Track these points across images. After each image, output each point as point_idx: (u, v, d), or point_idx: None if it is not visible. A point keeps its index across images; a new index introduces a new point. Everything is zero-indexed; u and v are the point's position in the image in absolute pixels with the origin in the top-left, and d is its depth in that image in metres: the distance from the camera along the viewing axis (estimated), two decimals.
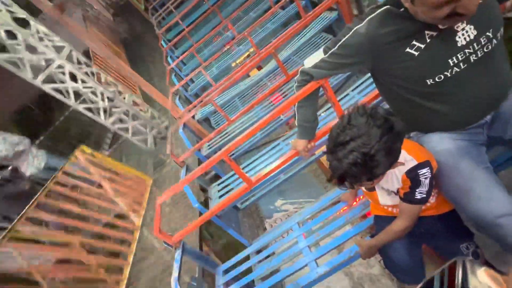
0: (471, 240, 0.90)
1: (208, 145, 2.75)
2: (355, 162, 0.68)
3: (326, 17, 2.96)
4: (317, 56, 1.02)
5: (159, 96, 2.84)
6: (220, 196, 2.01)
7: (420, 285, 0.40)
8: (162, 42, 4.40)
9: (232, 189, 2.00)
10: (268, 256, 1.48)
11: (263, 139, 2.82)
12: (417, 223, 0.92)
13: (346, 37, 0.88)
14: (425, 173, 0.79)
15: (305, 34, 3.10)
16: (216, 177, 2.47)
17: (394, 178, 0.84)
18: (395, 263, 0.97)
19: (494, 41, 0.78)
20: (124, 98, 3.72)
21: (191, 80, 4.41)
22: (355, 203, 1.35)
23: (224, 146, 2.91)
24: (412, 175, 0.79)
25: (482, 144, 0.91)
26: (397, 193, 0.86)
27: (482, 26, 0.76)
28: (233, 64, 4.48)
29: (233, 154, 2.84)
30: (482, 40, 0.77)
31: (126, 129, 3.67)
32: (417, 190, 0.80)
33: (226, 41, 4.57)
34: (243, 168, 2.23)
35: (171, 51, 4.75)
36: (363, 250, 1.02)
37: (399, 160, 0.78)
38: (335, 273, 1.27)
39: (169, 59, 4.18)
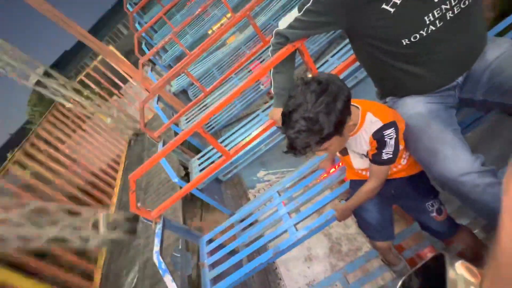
0: (436, 198, 0.95)
1: (186, 119, 2.65)
2: (299, 130, 0.70)
3: None
4: (292, 15, 0.94)
5: (128, 66, 2.60)
6: (201, 170, 1.99)
7: (402, 280, 0.41)
8: (128, 6, 3.94)
9: (212, 162, 1.98)
10: (251, 224, 1.52)
11: (244, 110, 2.76)
12: (388, 185, 0.95)
13: None
14: (390, 133, 0.79)
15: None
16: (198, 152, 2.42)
17: (363, 141, 0.84)
18: (367, 222, 1.02)
19: None
20: None
21: (164, 50, 4.10)
22: (333, 169, 1.38)
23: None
24: (378, 136, 0.80)
25: (453, 106, 0.92)
26: (367, 155, 0.88)
27: None
28: (209, 31, 4.19)
29: (213, 127, 2.78)
30: None
31: None
32: (383, 151, 0.81)
33: (200, 4, 4.21)
34: (223, 141, 2.20)
35: (138, 16, 4.30)
36: (338, 213, 1.05)
37: (366, 122, 0.80)
38: (315, 235, 1.35)
39: (136, 25, 3.79)
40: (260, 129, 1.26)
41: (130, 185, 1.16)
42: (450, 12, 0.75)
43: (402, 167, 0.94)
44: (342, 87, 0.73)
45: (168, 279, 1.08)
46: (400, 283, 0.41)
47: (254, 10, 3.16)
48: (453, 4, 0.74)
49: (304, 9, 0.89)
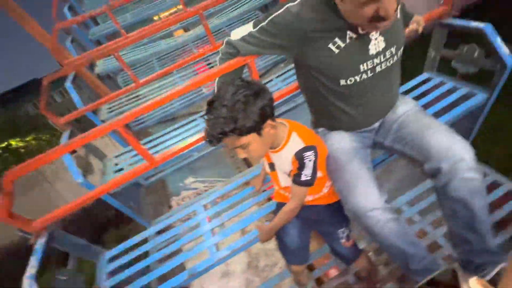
0: (347, 226, 1.06)
1: (109, 108, 2.26)
2: (217, 116, 0.74)
3: None
4: (246, 29, 0.92)
5: (36, 29, 2.03)
6: (116, 171, 1.70)
7: None
8: None
9: (132, 164, 1.72)
10: (169, 239, 1.36)
11: (181, 110, 2.56)
12: (310, 210, 1.02)
13: (277, 12, 0.83)
14: (309, 155, 0.85)
15: (240, 7, 2.91)
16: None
17: (286, 159, 0.88)
18: (286, 246, 1.06)
19: (395, 57, 0.88)
20: None
21: (95, 22, 3.48)
22: (262, 189, 1.38)
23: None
24: (299, 157, 0.85)
25: (369, 146, 1.07)
26: (289, 175, 0.91)
27: (390, 41, 0.84)
28: (155, 17, 3.80)
29: (143, 122, 2.47)
30: (388, 54, 0.86)
31: None
32: (302, 172, 0.86)
33: None
34: (151, 141, 1.96)
35: None
36: (261, 235, 1.05)
37: (290, 141, 0.87)
38: None
39: None
40: (195, 138, 1.16)
41: (4, 186, 0.86)
42: (379, 66, 0.87)
43: (323, 195, 1.01)
44: (265, 89, 0.79)
45: None
46: None
47: (208, 10, 3.05)
48: (382, 60, 0.86)
49: (259, 26, 0.88)
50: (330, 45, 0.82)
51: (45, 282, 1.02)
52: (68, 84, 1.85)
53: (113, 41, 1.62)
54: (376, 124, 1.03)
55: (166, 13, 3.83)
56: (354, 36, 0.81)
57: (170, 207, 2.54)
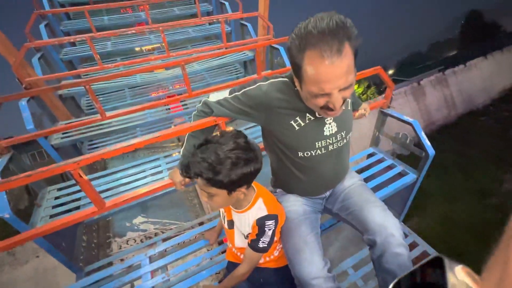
0: None
1: (64, 132, 2.09)
2: (204, 158, 0.78)
3: (245, 53, 3.17)
4: (222, 94, 1.03)
5: (2, 41, 1.91)
6: (55, 207, 1.51)
7: (397, 279, 0.37)
8: None
9: (76, 199, 1.56)
10: None
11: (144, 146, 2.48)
12: (258, 273, 1.03)
13: (250, 87, 0.96)
14: (270, 224, 0.91)
15: (222, 58, 3.17)
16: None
17: (247, 223, 0.93)
18: None
19: (345, 140, 1.05)
20: None
21: (71, 43, 3.41)
22: (215, 245, 1.35)
23: (89, 139, 2.32)
24: (260, 223, 0.90)
25: (319, 211, 1.17)
26: (246, 237, 0.94)
27: (341, 127, 1.01)
28: (137, 49, 3.88)
29: (97, 148, 2.31)
30: (339, 136, 1.02)
31: None
32: (261, 239, 0.91)
33: (138, 21, 3.96)
34: (105, 176, 1.82)
35: None
36: None
37: (255, 205, 0.91)
38: None
39: (44, 0, 3.06)
40: (154, 187, 1.13)
41: None
42: (331, 146, 1.01)
43: (274, 257, 1.04)
44: (258, 159, 0.84)
45: None
46: (394, 281, 0.37)
47: (192, 54, 3.24)
48: (334, 141, 1.01)
49: (233, 95, 0.99)
50: (292, 122, 0.95)
51: None
52: (22, 103, 1.71)
53: (88, 69, 1.60)
54: (327, 193, 1.16)
55: (150, 47, 3.95)
56: (312, 118, 0.96)
57: (111, 250, 2.25)
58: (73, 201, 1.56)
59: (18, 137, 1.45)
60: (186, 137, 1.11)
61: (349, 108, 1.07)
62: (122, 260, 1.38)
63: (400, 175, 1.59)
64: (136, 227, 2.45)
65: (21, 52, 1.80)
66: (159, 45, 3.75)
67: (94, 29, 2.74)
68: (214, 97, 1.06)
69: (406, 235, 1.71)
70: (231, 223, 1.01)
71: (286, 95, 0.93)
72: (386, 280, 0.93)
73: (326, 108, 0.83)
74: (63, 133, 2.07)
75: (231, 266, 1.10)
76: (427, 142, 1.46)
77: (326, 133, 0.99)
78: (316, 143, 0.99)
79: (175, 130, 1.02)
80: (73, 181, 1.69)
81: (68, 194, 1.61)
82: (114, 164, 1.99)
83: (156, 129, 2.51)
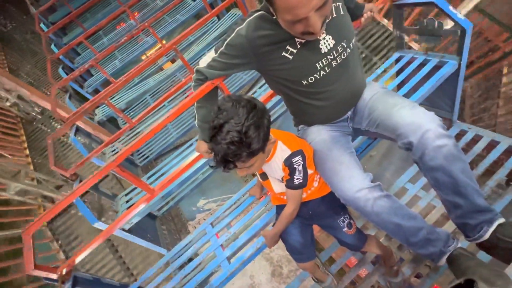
0: (346, 214, 1.08)
1: (112, 150, 2.40)
2: (232, 141, 0.72)
3: (236, 14, 3.00)
4: (210, 55, 1.01)
5: (35, 92, 2.23)
6: (128, 208, 1.79)
7: None
8: (42, 25, 3.49)
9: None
10: (189, 260, 1.42)
11: (180, 138, 2.68)
12: (305, 207, 1.05)
13: (230, 37, 0.91)
14: (297, 160, 0.89)
15: (216, 30, 3.07)
16: None
17: (277, 167, 0.92)
18: (292, 246, 1.08)
19: (349, 50, 0.94)
20: None
21: (88, 73, 3.74)
22: (262, 196, 1.43)
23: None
24: (288, 163, 0.89)
25: (349, 134, 1.11)
26: (282, 180, 0.95)
27: (338, 37, 0.90)
28: (143, 57, 4.04)
29: (147, 156, 2.59)
30: (340, 48, 0.91)
31: None
32: (294, 176, 0.90)
33: (132, 29, 4.06)
34: (157, 172, 2.06)
35: (56, 36, 3.85)
36: (267, 240, 1.08)
37: (277, 150, 0.89)
38: (257, 261, 1.33)
39: (53, 47, 3.37)
40: (188, 162, 1.23)
41: (24, 242, 0.95)
42: (335, 61, 0.92)
43: (315, 189, 1.05)
44: (265, 107, 0.81)
45: None
46: None
47: (188, 39, 3.22)
48: (336, 55, 0.91)
49: (219, 52, 0.96)
50: (284, 53, 0.88)
51: None
52: (72, 137, 2.01)
53: (103, 91, 1.77)
54: (349, 113, 1.07)
55: (152, 50, 4.07)
56: (302, 41, 0.87)
57: (188, 232, 2.60)
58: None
59: (79, 163, 1.72)
60: (195, 110, 1.14)
61: (341, 12, 0.94)
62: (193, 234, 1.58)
63: (437, 68, 1.37)
64: (201, 209, 2.77)
65: (52, 95, 2.06)
66: (159, 44, 3.82)
67: (97, 53, 2.93)
68: (203, 61, 1.05)
69: (464, 131, 1.51)
70: (264, 175, 1.04)
71: (267, 29, 0.86)
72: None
73: (307, 33, 0.76)
74: (112, 151, 2.37)
75: (279, 209, 1.15)
76: (459, 16, 1.20)
77: (324, 50, 0.90)
78: (316, 64, 0.91)
79: (181, 105, 1.06)
80: (133, 186, 1.95)
81: (136, 195, 1.88)
82: (162, 162, 2.24)
83: (184, 120, 2.66)
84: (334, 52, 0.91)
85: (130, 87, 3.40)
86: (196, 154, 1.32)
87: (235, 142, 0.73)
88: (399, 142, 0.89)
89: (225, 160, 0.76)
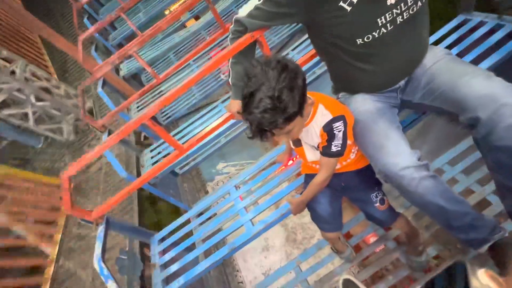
0: (380, 189, 1.03)
1: (137, 106, 2.41)
2: (265, 109, 0.68)
3: None
4: (252, 2, 0.90)
5: (64, 44, 2.22)
6: (153, 164, 1.84)
7: (423, 285, 0.40)
8: None
9: (166, 155, 1.85)
10: (208, 219, 1.47)
11: (203, 100, 2.63)
12: (338, 178, 1.00)
13: None
14: (338, 126, 0.82)
15: None
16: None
17: (314, 133, 0.86)
18: (319, 215, 1.06)
19: (419, 3, 0.79)
20: (14, 70, 2.65)
21: (113, 27, 3.65)
22: (290, 162, 1.40)
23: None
24: (328, 129, 0.83)
25: (395, 106, 1.00)
26: (317, 148, 0.90)
27: None
28: (166, 12, 3.84)
29: (169, 116, 2.60)
30: (409, 1, 0.77)
31: (23, 116, 2.67)
32: (332, 143, 0.84)
33: None
34: (180, 131, 2.07)
35: None
36: (293, 207, 1.07)
37: (317, 114, 0.83)
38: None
39: None
40: (217, 122, 1.20)
41: (62, 184, 1.00)
42: (400, 17, 0.78)
43: (351, 161, 0.99)
44: (298, 66, 0.73)
45: (112, 286, 0.98)
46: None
47: None
48: (403, 9, 0.77)
49: None
50: (341, 3, 0.76)
51: None
52: (99, 90, 2.01)
53: (130, 42, 1.70)
54: (402, 82, 0.94)
55: (176, 5, 3.85)
56: None
57: (206, 192, 2.70)
58: (163, 157, 1.86)
59: (108, 114, 1.74)
60: (229, 66, 1.07)
61: None
62: (216, 194, 1.62)
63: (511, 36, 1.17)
64: (220, 172, 2.83)
65: (80, 46, 2.03)
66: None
67: (122, 2, 2.81)
68: (244, 10, 0.94)
69: None
70: (297, 142, 0.98)
71: None
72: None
73: None
74: (137, 108, 2.39)
75: (309, 178, 1.12)
76: None
77: (390, 1, 0.75)
78: (378, 20, 0.77)
79: (215, 59, 0.99)
80: (160, 141, 1.98)
81: (159, 153, 1.92)
82: (183, 123, 2.24)
83: (207, 83, 2.59)
84: (402, 4, 0.76)
85: (154, 44, 3.30)
86: (224, 115, 1.27)
87: (269, 109, 0.68)
88: (461, 117, 0.79)
89: (261, 130, 0.71)
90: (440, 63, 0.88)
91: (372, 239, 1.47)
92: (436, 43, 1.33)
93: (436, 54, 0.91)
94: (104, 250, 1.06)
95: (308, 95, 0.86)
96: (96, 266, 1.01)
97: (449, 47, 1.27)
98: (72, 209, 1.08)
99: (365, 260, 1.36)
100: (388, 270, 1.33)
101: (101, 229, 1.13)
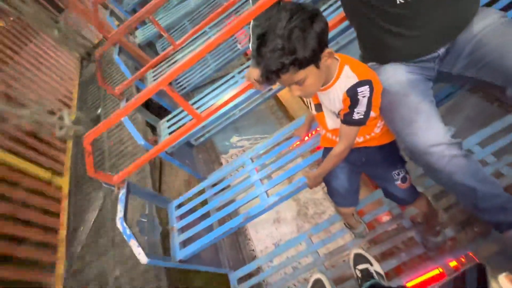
0: (403, 167, 0.98)
1: (153, 75, 2.39)
2: (274, 48, 0.66)
3: None
4: None
5: (79, 7, 2.16)
6: (170, 133, 1.86)
7: None
8: None
9: (182, 125, 1.85)
10: (223, 189, 1.50)
11: (218, 71, 2.56)
12: (360, 153, 0.96)
13: None
14: (363, 91, 0.76)
15: None
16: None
17: (336, 97, 0.80)
18: (335, 189, 1.04)
19: None
20: None
21: None
22: (307, 137, 1.36)
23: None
24: (352, 93, 0.76)
25: (430, 79, 0.91)
26: (338, 115, 0.85)
27: None
28: None
29: (184, 87, 2.56)
30: None
31: None
32: (355, 109, 0.78)
33: None
34: (195, 102, 2.05)
35: None
36: (310, 180, 1.06)
37: (342, 76, 0.78)
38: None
39: None
40: (235, 91, 1.16)
41: (85, 147, 1.02)
42: None
43: (375, 135, 0.93)
44: (319, 11, 0.69)
45: (133, 244, 1.04)
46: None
47: None
48: None
49: None
50: None
51: None
52: (116, 56, 1.99)
53: (147, 7, 1.63)
54: (442, 50, 0.84)
55: None
56: None
57: (220, 164, 2.74)
58: (179, 127, 1.86)
59: (124, 82, 1.73)
60: (250, 30, 1.00)
61: None
62: (231, 165, 1.63)
63: None
64: (234, 145, 2.84)
65: (95, 11, 1.98)
66: None
67: None
68: None
69: None
70: (318, 106, 0.92)
71: None
72: None
73: None
74: (153, 76, 2.37)
75: (327, 152, 1.09)
76: None
77: None
78: None
79: (234, 24, 0.92)
80: (176, 111, 1.98)
81: (175, 122, 1.93)
82: (198, 94, 2.21)
83: (223, 53, 2.49)
84: None
85: (169, 9, 3.17)
86: (242, 85, 1.22)
87: (277, 49, 0.65)
88: (508, 91, 0.71)
89: (268, 71, 0.69)
90: (490, 28, 0.77)
91: (385, 218, 1.46)
92: (489, 4, 1.17)
93: (487, 17, 0.79)
94: (126, 212, 1.12)
95: (335, 55, 0.79)
96: (119, 226, 1.07)
97: (505, 9, 1.11)
98: (95, 173, 1.12)
99: (376, 238, 1.36)
100: (399, 249, 1.33)
101: (123, 192, 1.18)
